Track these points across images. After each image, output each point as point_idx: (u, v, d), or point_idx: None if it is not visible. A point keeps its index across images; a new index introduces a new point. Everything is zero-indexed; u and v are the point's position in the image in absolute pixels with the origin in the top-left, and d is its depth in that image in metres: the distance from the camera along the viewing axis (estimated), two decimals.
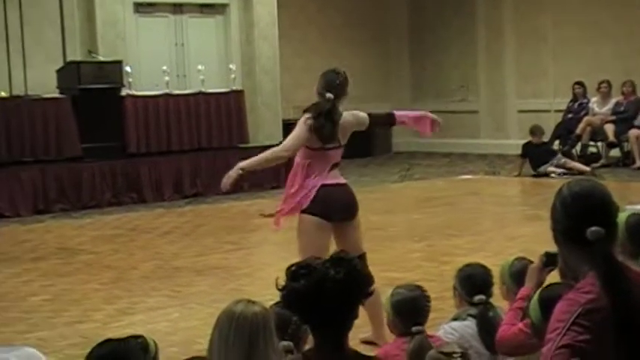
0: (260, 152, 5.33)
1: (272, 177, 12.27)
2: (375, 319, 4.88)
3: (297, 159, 5.11)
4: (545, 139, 13.39)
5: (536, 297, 2.80)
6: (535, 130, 13.15)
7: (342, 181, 5.14)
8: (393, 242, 8.38)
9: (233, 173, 5.02)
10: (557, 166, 12.79)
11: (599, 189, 2.30)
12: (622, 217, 3.90)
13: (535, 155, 12.94)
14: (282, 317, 3.19)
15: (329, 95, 5.01)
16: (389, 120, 5.48)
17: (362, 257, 4.72)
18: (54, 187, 11.19)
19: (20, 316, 6.17)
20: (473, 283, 3.80)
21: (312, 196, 4.98)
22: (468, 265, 3.95)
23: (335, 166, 5.12)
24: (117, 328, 5.61)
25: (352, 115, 5.18)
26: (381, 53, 17.64)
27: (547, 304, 2.57)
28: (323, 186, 4.99)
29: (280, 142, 5.38)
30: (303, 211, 5.01)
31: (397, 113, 5.48)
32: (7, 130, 10.96)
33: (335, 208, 4.99)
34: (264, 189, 12.21)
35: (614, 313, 2.12)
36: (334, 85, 5.05)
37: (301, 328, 3.26)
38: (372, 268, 3.22)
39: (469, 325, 3.70)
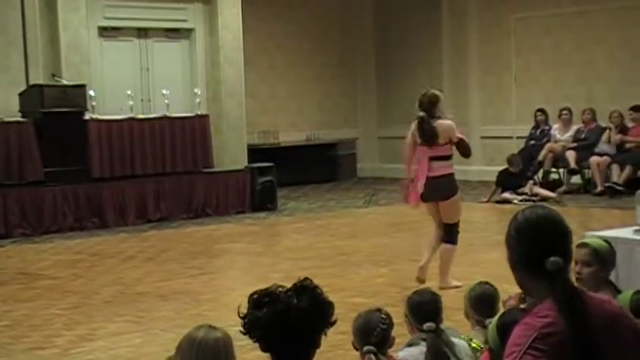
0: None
1: (237, 202, 12.26)
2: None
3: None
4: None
5: (494, 323, 2.79)
6: (512, 160, 13.23)
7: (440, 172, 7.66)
8: (358, 267, 8.39)
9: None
10: (520, 193, 12.88)
11: (553, 216, 2.33)
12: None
13: (510, 183, 13.02)
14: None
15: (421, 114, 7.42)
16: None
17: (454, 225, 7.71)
18: (15, 211, 11.05)
19: None
20: (423, 310, 3.82)
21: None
22: (416, 293, 3.96)
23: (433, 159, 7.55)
24: (78, 355, 5.55)
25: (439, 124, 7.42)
26: (348, 78, 17.73)
27: (505, 329, 2.57)
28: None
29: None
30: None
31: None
32: None
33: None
34: (229, 214, 12.19)
35: (572, 338, 2.14)
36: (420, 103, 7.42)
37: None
38: (337, 294, 3.24)
39: (422, 351, 3.72)
